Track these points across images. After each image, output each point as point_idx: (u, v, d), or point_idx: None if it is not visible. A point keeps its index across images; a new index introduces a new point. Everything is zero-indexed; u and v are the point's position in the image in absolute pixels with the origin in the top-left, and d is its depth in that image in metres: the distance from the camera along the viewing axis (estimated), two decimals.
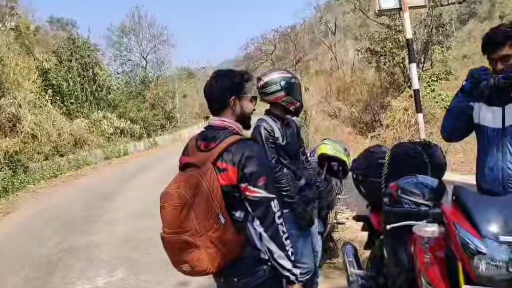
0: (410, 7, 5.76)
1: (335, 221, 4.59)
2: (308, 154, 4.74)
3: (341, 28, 39.72)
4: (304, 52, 36.21)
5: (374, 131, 15.22)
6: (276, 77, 2.91)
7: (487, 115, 2.28)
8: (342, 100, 20.10)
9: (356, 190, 3.10)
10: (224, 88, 1.96)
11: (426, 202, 2.15)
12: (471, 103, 2.37)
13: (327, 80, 24.28)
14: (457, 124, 2.45)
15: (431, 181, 2.41)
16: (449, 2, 16.25)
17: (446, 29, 17.29)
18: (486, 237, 1.71)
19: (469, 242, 1.72)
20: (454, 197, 1.94)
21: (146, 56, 37.36)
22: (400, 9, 5.76)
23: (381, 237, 2.72)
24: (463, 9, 35.78)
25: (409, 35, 5.84)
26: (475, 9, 40.43)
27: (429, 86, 14.65)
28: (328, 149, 3.93)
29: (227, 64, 47.08)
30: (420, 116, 5.91)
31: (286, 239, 1.82)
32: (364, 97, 18.34)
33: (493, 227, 1.73)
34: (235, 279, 1.86)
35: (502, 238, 1.69)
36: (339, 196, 4.39)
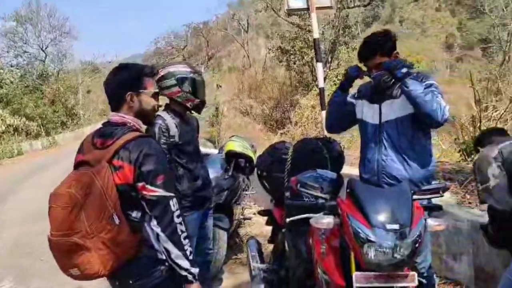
0: (317, 8, 5.99)
1: (242, 216, 4.63)
2: (217, 151, 4.73)
3: (254, 26, 40.39)
4: (217, 48, 36.28)
5: (284, 128, 15.71)
6: (172, 70, 2.74)
7: (368, 112, 2.51)
8: (254, 98, 20.40)
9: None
10: (121, 82, 1.87)
11: (323, 195, 2.23)
12: (352, 100, 2.62)
13: (239, 77, 24.46)
14: (338, 117, 2.69)
15: (330, 175, 2.53)
16: (355, 4, 17.34)
17: (352, 31, 18.36)
18: (375, 226, 1.82)
19: (360, 231, 1.83)
20: (348, 190, 2.04)
21: (46, 48, 34.67)
22: (308, 9, 5.97)
23: (283, 230, 2.78)
24: (367, 12, 38.51)
25: (316, 35, 6.08)
26: (378, 12, 43.86)
27: (335, 84, 15.42)
28: (235, 146, 3.96)
29: (136, 59, 45.19)
30: (324, 113, 6.20)
31: (184, 238, 1.77)
32: (275, 95, 18.82)
33: (381, 217, 1.85)
34: (131, 281, 1.77)
35: (389, 226, 1.82)
36: (247, 192, 4.44)
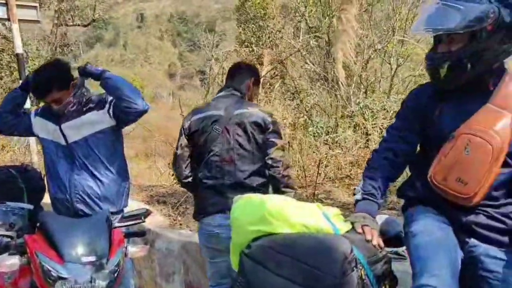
0: (20, 20, 5.39)
1: None
2: None
3: None
4: None
5: None
6: None
7: (54, 133, 2.34)
8: None
9: None
10: None
11: (9, 233, 1.93)
12: (32, 115, 2.42)
13: None
14: (8, 114, 2.40)
15: (25, 207, 2.25)
16: (74, 23, 16.54)
17: (72, 50, 17.44)
18: (69, 261, 1.70)
19: (51, 269, 1.68)
20: (39, 224, 1.84)
21: None
22: (8, 19, 5.30)
23: None
24: (90, 32, 37.02)
25: (19, 50, 5.43)
26: (102, 34, 42.62)
27: None
28: None
29: None
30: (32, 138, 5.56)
31: None
32: None
33: (77, 250, 1.74)
34: None
35: (84, 259, 1.73)
36: None
